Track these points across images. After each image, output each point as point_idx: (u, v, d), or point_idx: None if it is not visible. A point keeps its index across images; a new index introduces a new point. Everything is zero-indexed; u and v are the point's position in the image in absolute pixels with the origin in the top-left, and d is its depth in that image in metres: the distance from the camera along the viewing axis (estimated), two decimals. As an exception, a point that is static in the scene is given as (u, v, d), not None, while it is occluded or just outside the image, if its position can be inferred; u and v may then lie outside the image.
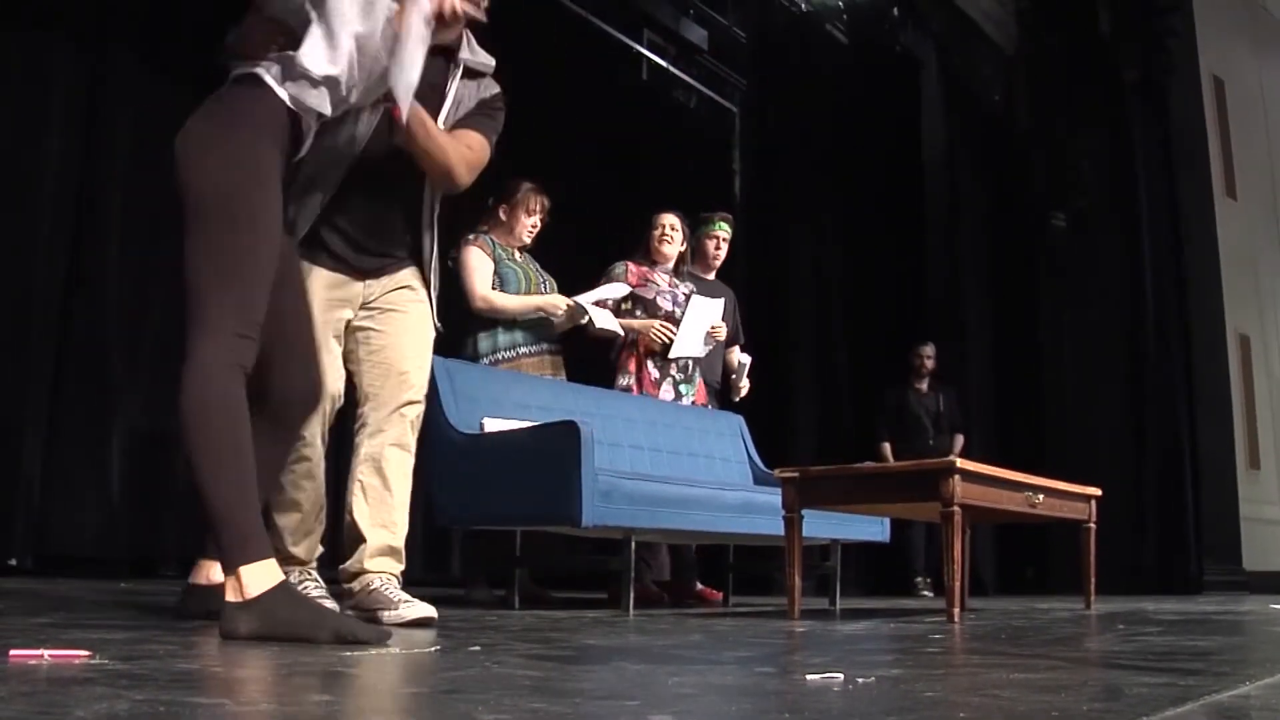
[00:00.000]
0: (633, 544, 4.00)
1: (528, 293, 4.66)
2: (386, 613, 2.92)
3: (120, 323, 5.17)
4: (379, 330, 3.13)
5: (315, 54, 2.46)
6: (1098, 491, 4.73)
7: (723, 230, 5.54)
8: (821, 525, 4.48)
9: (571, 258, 5.05)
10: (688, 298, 5.08)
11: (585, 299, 4.69)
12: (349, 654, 1.96)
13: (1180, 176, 9.34)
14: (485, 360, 4.56)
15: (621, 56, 6.97)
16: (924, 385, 7.77)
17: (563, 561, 5.58)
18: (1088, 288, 9.52)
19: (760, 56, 8.12)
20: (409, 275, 3.17)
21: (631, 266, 5.08)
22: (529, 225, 4.78)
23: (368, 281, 3.12)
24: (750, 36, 8.00)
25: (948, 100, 9.28)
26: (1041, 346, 9.74)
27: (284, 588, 2.23)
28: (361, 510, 3.05)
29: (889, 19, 8.55)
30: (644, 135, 7.35)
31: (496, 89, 3.23)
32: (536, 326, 4.71)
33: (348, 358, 3.14)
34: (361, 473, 3.07)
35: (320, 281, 3.05)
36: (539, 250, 4.92)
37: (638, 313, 5.01)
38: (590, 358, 5.13)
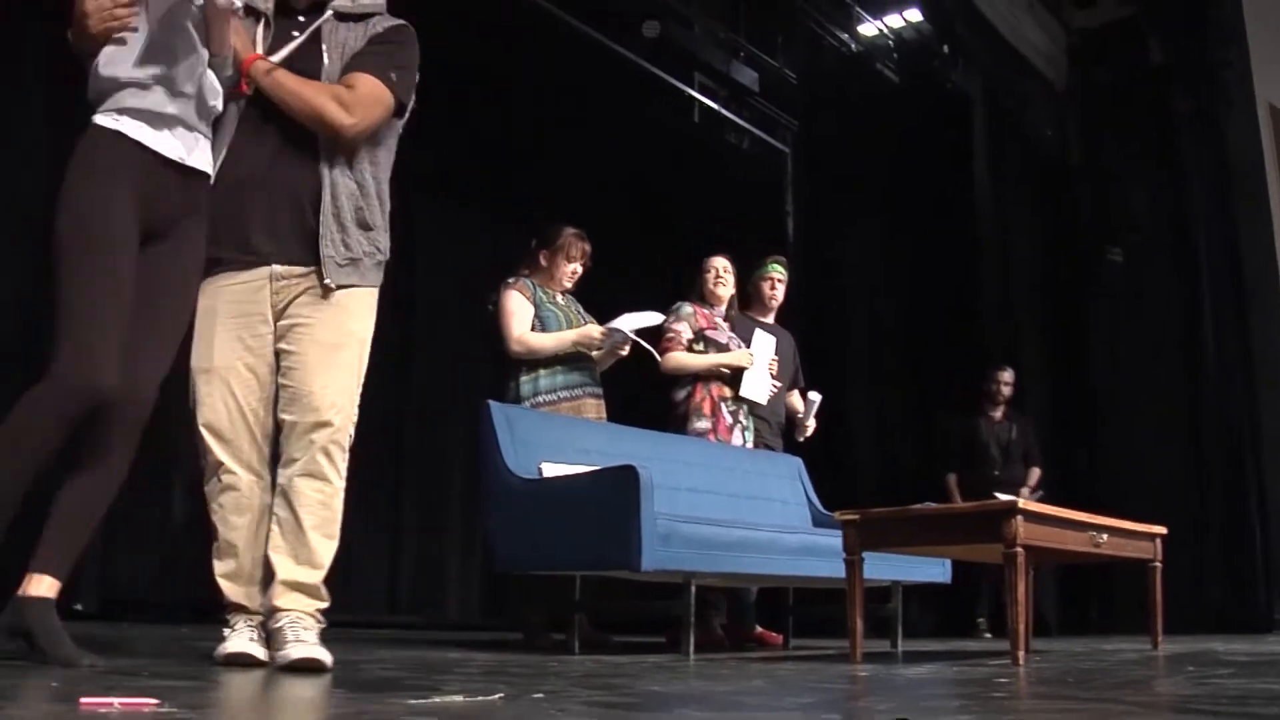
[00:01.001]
0: (693, 588, 3.99)
1: None
2: (277, 652, 2.76)
3: (181, 368, 5.24)
4: (286, 350, 2.92)
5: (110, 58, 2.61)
6: (1163, 530, 4.66)
7: (777, 271, 5.55)
8: (882, 567, 4.44)
9: (623, 302, 5.06)
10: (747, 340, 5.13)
11: (619, 322, 4.68)
12: (414, 702, 1.96)
13: (1238, 208, 9.22)
14: (526, 404, 4.58)
15: (673, 100, 7.01)
16: (998, 413, 7.49)
17: (622, 606, 5.56)
18: (1144, 322, 9.40)
19: (811, 97, 8.15)
20: (316, 280, 2.92)
21: (697, 308, 5.12)
22: (570, 271, 4.80)
23: (276, 287, 2.91)
24: (800, 77, 8.04)
25: (999, 136, 9.25)
26: (1097, 381, 9.63)
27: None
28: (277, 546, 2.86)
29: (939, 56, 8.54)
30: (696, 178, 7.39)
31: (392, 22, 3.07)
32: (578, 369, 4.72)
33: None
34: (276, 506, 2.90)
35: (224, 300, 2.90)
36: (588, 295, 4.95)
37: (711, 354, 5.05)
38: (644, 400, 5.15)
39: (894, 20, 8.24)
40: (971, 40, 8.81)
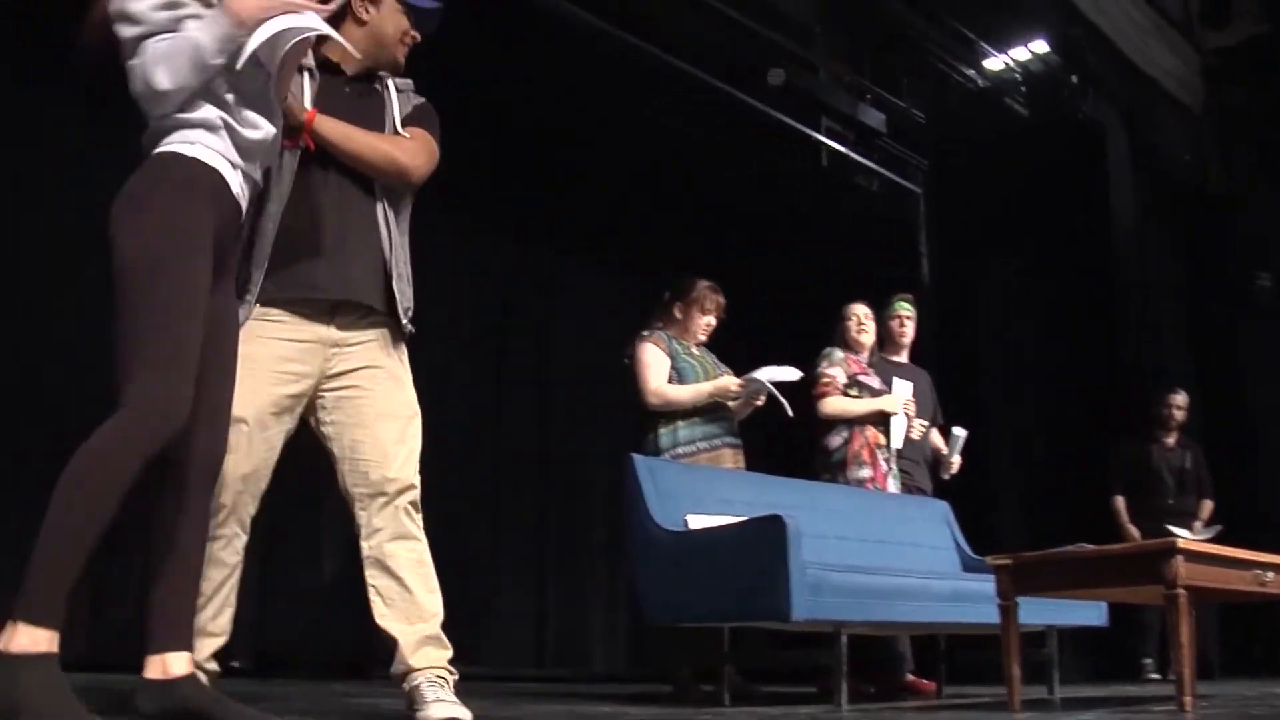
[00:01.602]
0: (843, 638, 3.95)
1: None
2: (419, 712, 2.81)
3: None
4: (348, 423, 2.96)
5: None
6: (1333, 567, 4.48)
7: (904, 309, 5.53)
8: (1036, 611, 4.34)
9: (759, 350, 5.07)
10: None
11: (758, 374, 4.68)
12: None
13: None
14: (665, 456, 4.60)
15: (801, 146, 7.02)
16: (1171, 439, 7.10)
17: (771, 656, 5.53)
18: (1300, 349, 9.09)
19: (940, 136, 8.09)
20: (377, 348, 2.99)
21: (846, 354, 5.12)
22: (704, 324, 4.85)
23: (329, 354, 2.95)
24: (928, 116, 7.98)
25: (1135, 165, 9.05)
26: (1253, 408, 9.30)
27: (44, 660, 2.17)
28: (384, 614, 2.92)
29: (1068, 87, 8.40)
30: (827, 223, 7.39)
31: (420, 100, 3.24)
32: (715, 419, 4.73)
33: (326, 453, 3.00)
34: (371, 577, 2.95)
35: (270, 352, 2.90)
36: (724, 343, 4.97)
37: (866, 399, 5.05)
38: (781, 447, 5.14)
39: (1020, 53, 8.13)
40: (1101, 69, 8.66)
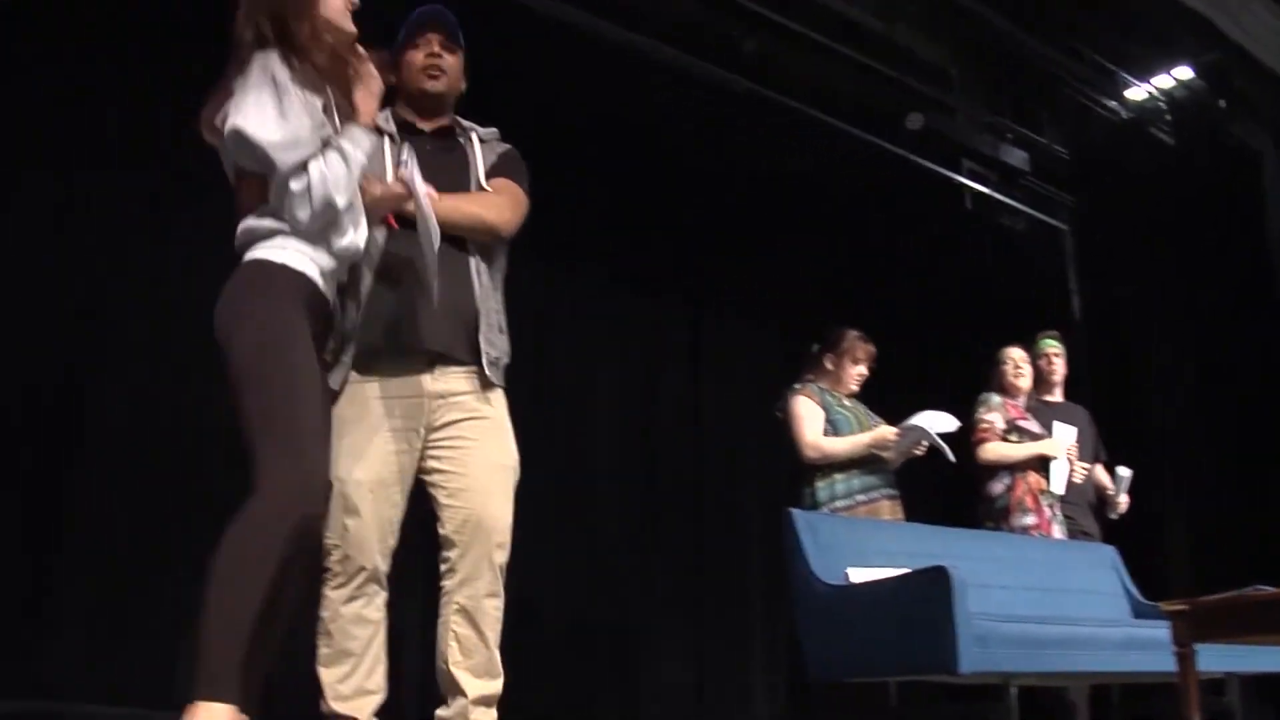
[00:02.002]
0: (1013, 690, 3.88)
1: None
2: None
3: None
4: (453, 472, 3.02)
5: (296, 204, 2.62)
6: None
7: (1051, 347, 5.46)
8: (1215, 657, 4.18)
9: (911, 399, 5.03)
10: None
11: (916, 421, 4.63)
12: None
13: None
14: (823, 509, 4.58)
15: (943, 189, 6.97)
16: None
17: (939, 710, 5.44)
18: None
19: (1085, 171, 7.95)
20: (476, 399, 3.04)
21: (1004, 398, 5.06)
22: (856, 374, 4.85)
23: (433, 406, 3.01)
24: (1072, 152, 7.85)
25: (1293, 187, 8.75)
26: None
27: None
28: (458, 661, 2.97)
29: (1216, 112, 8.17)
30: (974, 266, 7.31)
31: (506, 146, 3.32)
32: (873, 471, 4.70)
33: (432, 501, 3.05)
34: (455, 623, 2.99)
35: (376, 412, 2.98)
36: (875, 393, 4.94)
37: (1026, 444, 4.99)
38: (943, 497, 5.08)
39: (1164, 81, 7.93)
40: (1251, 90, 8.40)
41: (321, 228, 2.67)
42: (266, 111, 2.59)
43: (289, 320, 2.59)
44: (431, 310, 2.98)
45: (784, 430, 4.76)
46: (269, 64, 2.63)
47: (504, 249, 3.23)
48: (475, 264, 3.09)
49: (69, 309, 4.56)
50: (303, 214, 2.62)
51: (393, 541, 3.03)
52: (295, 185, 2.60)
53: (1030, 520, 4.94)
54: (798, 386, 4.82)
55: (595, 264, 6.34)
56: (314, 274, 2.68)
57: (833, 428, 4.68)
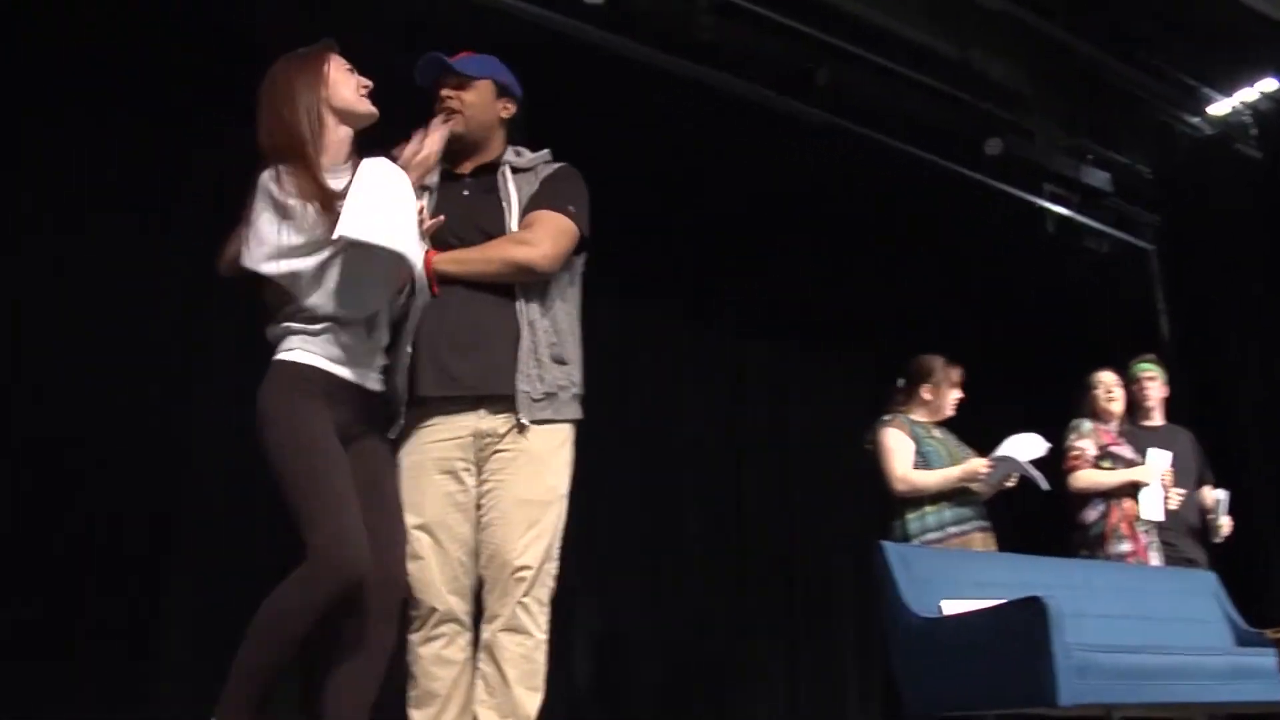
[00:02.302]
0: (1114, 721, 3.80)
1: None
2: None
3: (573, 532, 5.51)
4: (486, 507, 3.01)
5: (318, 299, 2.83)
6: None
7: (1146, 371, 5.37)
8: (1325, 684, 4.09)
9: (999, 427, 4.98)
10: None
11: (1007, 451, 4.57)
12: None
13: None
14: (915, 542, 4.54)
15: (1024, 214, 6.90)
16: None
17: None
18: None
19: (1169, 189, 7.82)
20: (513, 434, 3.00)
21: (1095, 424, 4.98)
22: (953, 399, 4.79)
23: (481, 444, 3.01)
24: (1155, 170, 7.73)
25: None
26: None
27: None
28: (483, 700, 2.92)
29: (1304, 121, 8.02)
30: (1058, 290, 7.22)
31: (557, 166, 3.24)
32: (964, 502, 4.65)
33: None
34: (480, 660, 2.97)
35: (431, 456, 3.03)
36: (961, 422, 4.89)
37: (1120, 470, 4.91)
38: (1036, 526, 5.01)
39: (1247, 94, 7.80)
40: (1339, 96, 8.23)
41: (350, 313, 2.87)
42: (268, 243, 2.81)
43: (303, 415, 2.81)
44: (472, 352, 3.02)
45: (873, 463, 4.73)
46: (267, 187, 2.83)
47: (570, 275, 3.18)
48: (521, 300, 3.06)
49: (172, 359, 4.67)
50: (329, 309, 2.85)
51: (467, 580, 3.03)
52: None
53: (1126, 547, 4.86)
54: (887, 418, 4.79)
55: (677, 298, 6.36)
56: (325, 365, 2.86)
57: (923, 460, 4.65)
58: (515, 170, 3.22)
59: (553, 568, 3.03)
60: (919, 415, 4.80)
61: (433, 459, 3.04)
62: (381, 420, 3.02)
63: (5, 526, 4.31)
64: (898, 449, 4.66)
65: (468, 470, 3.03)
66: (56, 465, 4.41)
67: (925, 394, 4.81)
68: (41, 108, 4.60)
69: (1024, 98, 6.88)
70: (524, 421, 2.99)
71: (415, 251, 2.85)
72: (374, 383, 3.00)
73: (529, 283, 3.07)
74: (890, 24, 6.03)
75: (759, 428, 6.69)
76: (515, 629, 2.93)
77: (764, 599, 6.40)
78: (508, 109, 3.29)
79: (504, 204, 3.15)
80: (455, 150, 3.23)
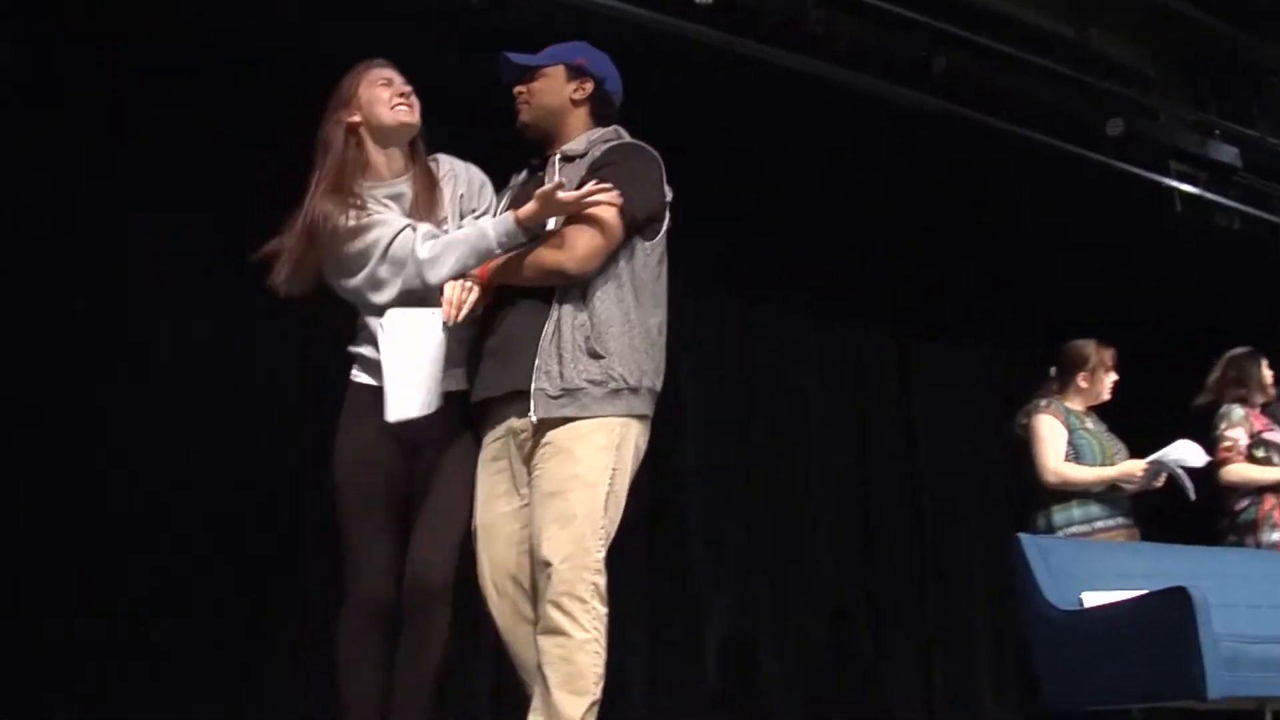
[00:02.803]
0: (1268, 715, 3.70)
1: (1102, 464, 4.54)
2: None
3: (703, 532, 5.53)
4: (531, 519, 2.96)
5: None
6: None
7: None
8: None
9: (1144, 411, 4.87)
10: None
11: (1165, 455, 4.47)
12: None
13: None
14: (1059, 534, 4.47)
15: (1150, 193, 6.73)
16: None
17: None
18: None
19: (1301, 162, 7.56)
20: (547, 427, 2.93)
21: (1247, 409, 4.85)
22: (1109, 383, 4.73)
23: (519, 440, 3.01)
24: (1287, 141, 7.48)
25: None
26: None
27: None
28: (536, 707, 2.86)
29: None
30: (1189, 270, 7.03)
31: (613, 144, 3.11)
32: (1112, 499, 4.58)
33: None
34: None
35: (483, 457, 3.09)
36: (1115, 413, 4.80)
37: (1274, 458, 4.75)
38: (1179, 511, 4.89)
39: (1382, 57, 7.51)
40: None
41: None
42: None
43: (357, 449, 3.01)
44: (505, 349, 3.02)
45: (1022, 448, 4.68)
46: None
47: (626, 262, 3.04)
48: (559, 294, 2.98)
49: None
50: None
51: (516, 582, 3.03)
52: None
53: (1278, 536, 4.70)
54: (1043, 404, 4.73)
55: (798, 292, 6.33)
56: (371, 380, 3.00)
57: (1074, 452, 4.59)
58: (566, 159, 3.15)
59: (590, 561, 2.86)
60: (1074, 403, 4.74)
61: (487, 460, 3.10)
62: (455, 415, 3.07)
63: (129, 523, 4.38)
64: (1050, 438, 4.61)
65: (510, 470, 3.06)
66: (166, 466, 4.46)
67: (1081, 381, 4.76)
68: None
69: (1145, 76, 6.71)
70: (535, 419, 2.92)
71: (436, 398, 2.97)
72: (446, 384, 3.03)
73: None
74: (1006, 7, 5.93)
75: (884, 419, 6.62)
76: (550, 630, 2.83)
77: (894, 593, 6.34)
78: (583, 89, 3.20)
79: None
80: (537, 139, 3.23)
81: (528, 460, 3.00)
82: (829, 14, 5.16)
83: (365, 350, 3.04)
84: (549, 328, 2.93)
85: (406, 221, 3.04)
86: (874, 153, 5.96)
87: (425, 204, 3.12)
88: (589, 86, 3.20)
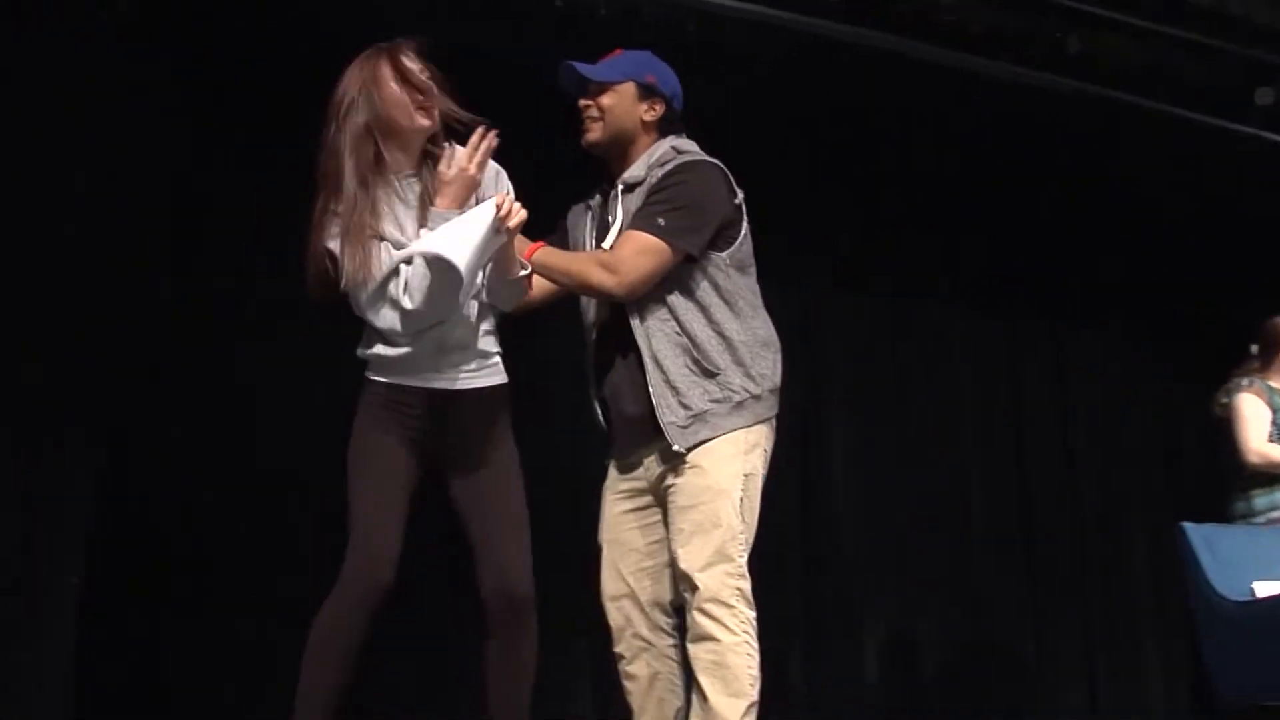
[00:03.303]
0: None
1: None
2: None
3: (858, 532, 5.51)
4: (669, 536, 2.99)
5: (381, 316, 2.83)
6: None
7: None
8: None
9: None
10: None
11: None
12: None
13: None
14: (1260, 519, 4.34)
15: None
16: None
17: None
18: None
19: None
20: (665, 459, 2.98)
21: None
22: None
23: (647, 463, 3.03)
24: None
25: None
26: None
27: None
28: (697, 714, 2.89)
29: None
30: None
31: (670, 166, 3.01)
32: None
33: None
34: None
35: (613, 475, 3.13)
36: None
37: None
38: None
39: None
40: None
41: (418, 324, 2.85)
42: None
43: (368, 443, 2.89)
44: (618, 407, 3.07)
45: (1222, 429, 4.57)
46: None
47: (704, 279, 3.01)
48: (637, 328, 2.99)
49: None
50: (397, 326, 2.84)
51: (646, 598, 3.07)
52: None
53: None
54: (1244, 383, 4.60)
55: (947, 279, 6.24)
56: (384, 378, 2.90)
57: (1277, 431, 4.46)
58: (627, 188, 3.09)
59: (732, 567, 2.90)
60: (1277, 381, 4.60)
61: (613, 478, 3.15)
62: (497, 414, 2.97)
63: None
64: (1253, 418, 4.49)
65: (643, 492, 3.09)
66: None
67: None
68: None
69: (1291, 39, 6.47)
70: (678, 450, 2.95)
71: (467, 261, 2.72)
72: (486, 378, 2.96)
73: (652, 300, 2.98)
74: (1139, -20, 5.78)
75: (1039, 411, 6.49)
76: (701, 637, 2.88)
77: (1056, 585, 6.22)
78: (653, 110, 3.11)
79: (611, 230, 3.08)
80: (601, 165, 3.19)
81: (658, 483, 3.04)
82: (960, 1, 5.11)
83: (377, 349, 2.89)
84: (649, 365, 2.95)
85: (409, 252, 2.82)
86: (1015, 138, 5.86)
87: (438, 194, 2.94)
88: (659, 108, 3.13)
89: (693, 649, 2.89)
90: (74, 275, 4.00)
